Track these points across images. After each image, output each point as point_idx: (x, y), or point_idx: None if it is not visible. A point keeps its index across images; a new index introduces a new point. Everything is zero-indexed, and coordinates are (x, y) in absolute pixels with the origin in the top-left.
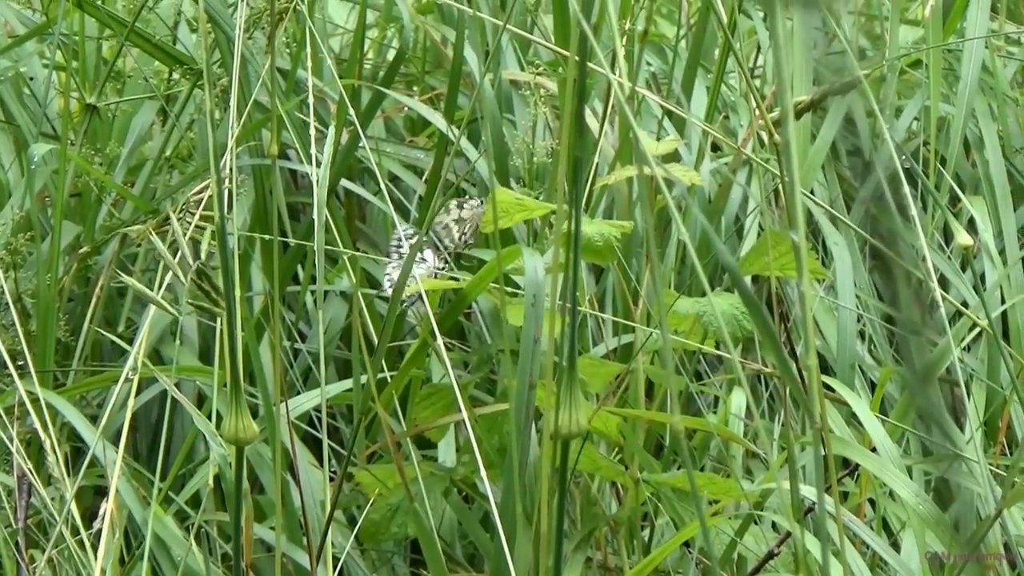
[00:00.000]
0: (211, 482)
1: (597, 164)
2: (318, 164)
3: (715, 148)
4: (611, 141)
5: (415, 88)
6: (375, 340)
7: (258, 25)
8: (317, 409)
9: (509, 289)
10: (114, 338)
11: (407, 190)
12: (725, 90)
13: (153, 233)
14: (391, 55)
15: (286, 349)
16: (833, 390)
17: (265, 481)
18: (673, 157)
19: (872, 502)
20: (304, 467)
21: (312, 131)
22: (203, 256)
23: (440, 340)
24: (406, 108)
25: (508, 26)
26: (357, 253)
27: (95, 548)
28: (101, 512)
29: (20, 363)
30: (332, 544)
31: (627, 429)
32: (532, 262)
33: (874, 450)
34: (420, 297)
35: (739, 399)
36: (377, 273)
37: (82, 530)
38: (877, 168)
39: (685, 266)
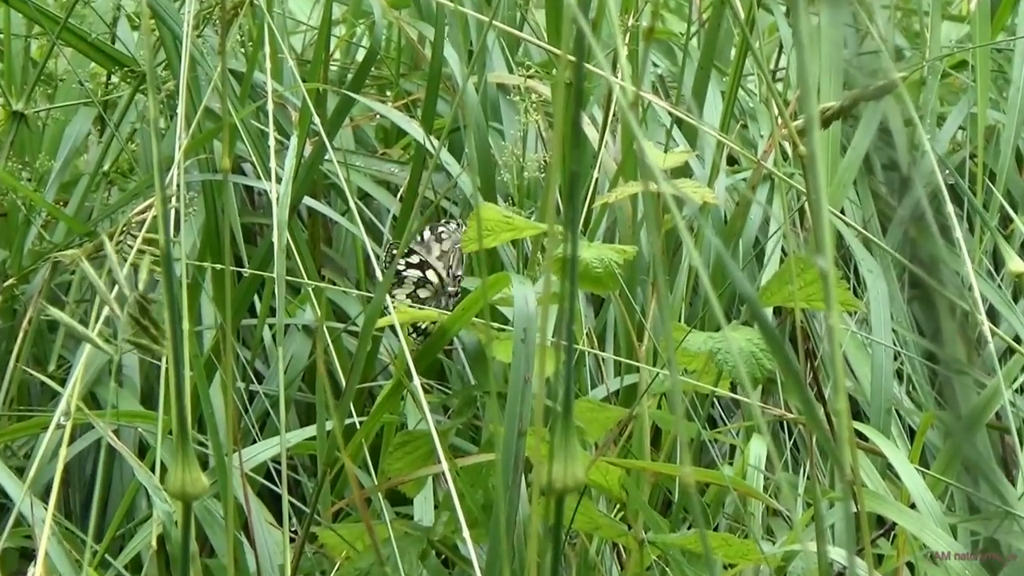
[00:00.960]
0: (154, 543)
1: (596, 179)
2: (278, 180)
3: (731, 161)
4: (612, 153)
5: (388, 93)
6: (342, 381)
7: (209, 22)
8: (276, 460)
9: (496, 324)
10: (44, 379)
11: (379, 209)
12: (743, 95)
13: (84, 259)
14: (361, 55)
15: (240, 391)
16: (866, 438)
17: (216, 542)
18: (683, 172)
19: (911, 566)
20: (261, 526)
21: (271, 142)
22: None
23: (417, 380)
24: (378, 116)
25: (494, 22)
26: (323, 284)
27: None
28: None
29: None
30: None
31: (630, 483)
32: (522, 292)
33: (913, 506)
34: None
35: (758, 448)
36: (346, 304)
37: None
38: (917, 184)
39: (697, 296)
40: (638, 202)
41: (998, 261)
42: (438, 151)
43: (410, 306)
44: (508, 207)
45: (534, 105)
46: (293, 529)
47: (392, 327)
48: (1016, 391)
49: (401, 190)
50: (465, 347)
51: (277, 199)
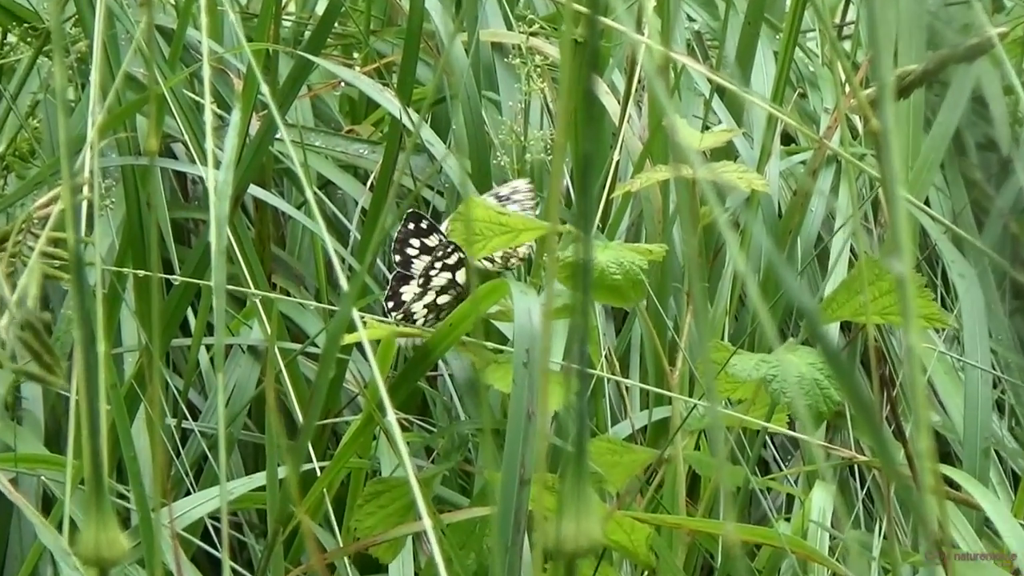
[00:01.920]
0: None
1: (617, 163)
2: (217, 164)
3: (786, 140)
4: (636, 130)
5: (356, 55)
6: (298, 416)
7: None
8: (215, 515)
9: (491, 344)
10: None
11: (345, 200)
12: (800, 57)
13: None
14: (321, 8)
15: (171, 429)
16: (958, 486)
17: None
18: (726, 153)
19: None
20: None
21: (208, 117)
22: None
23: (392, 415)
24: (343, 84)
25: None
26: (273, 295)
27: None
28: None
29: None
30: None
31: (661, 543)
32: (524, 304)
33: (1017, 572)
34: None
35: (822, 500)
36: (302, 319)
37: None
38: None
39: (744, 309)
40: (669, 191)
41: None
42: (418, 127)
43: (424, 318)
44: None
45: (538, 70)
46: None
47: (360, 347)
48: None
49: (372, 177)
50: (453, 373)
51: (216, 188)
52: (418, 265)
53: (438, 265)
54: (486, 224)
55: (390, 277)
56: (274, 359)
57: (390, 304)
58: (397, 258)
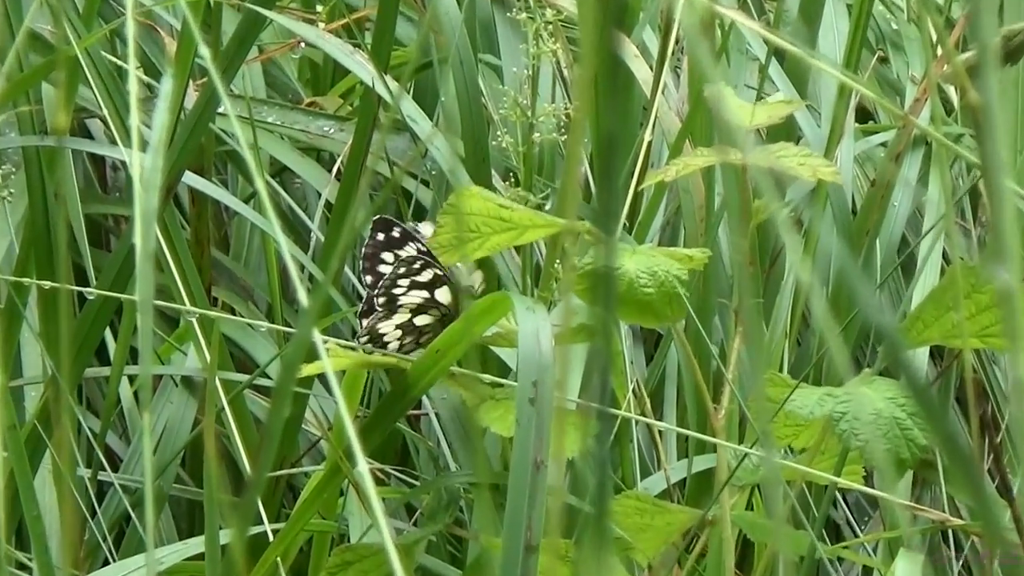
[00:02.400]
0: None
1: (649, 145)
2: (144, 146)
3: (863, 116)
4: (673, 103)
5: (320, 9)
6: (245, 466)
7: None
8: None
9: (489, 376)
10: None
11: (305, 192)
12: (880, 11)
13: None
14: None
15: (84, 482)
16: None
17: None
18: (786, 132)
19: None
20: None
21: (133, 86)
22: None
23: (364, 465)
24: (303, 44)
25: None
26: (214, 312)
27: None
28: None
29: None
30: None
31: None
32: (531, 324)
33: None
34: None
35: (907, 571)
36: (251, 344)
37: None
38: None
39: (809, 331)
40: (714, 181)
41: None
42: (397, 100)
43: (399, 343)
44: (508, 190)
45: (549, 27)
46: None
47: (324, 379)
48: None
49: (339, 162)
50: (440, 412)
51: (141, 177)
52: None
53: (404, 283)
54: (483, 219)
55: (363, 293)
56: (215, 393)
57: (365, 322)
58: (368, 279)
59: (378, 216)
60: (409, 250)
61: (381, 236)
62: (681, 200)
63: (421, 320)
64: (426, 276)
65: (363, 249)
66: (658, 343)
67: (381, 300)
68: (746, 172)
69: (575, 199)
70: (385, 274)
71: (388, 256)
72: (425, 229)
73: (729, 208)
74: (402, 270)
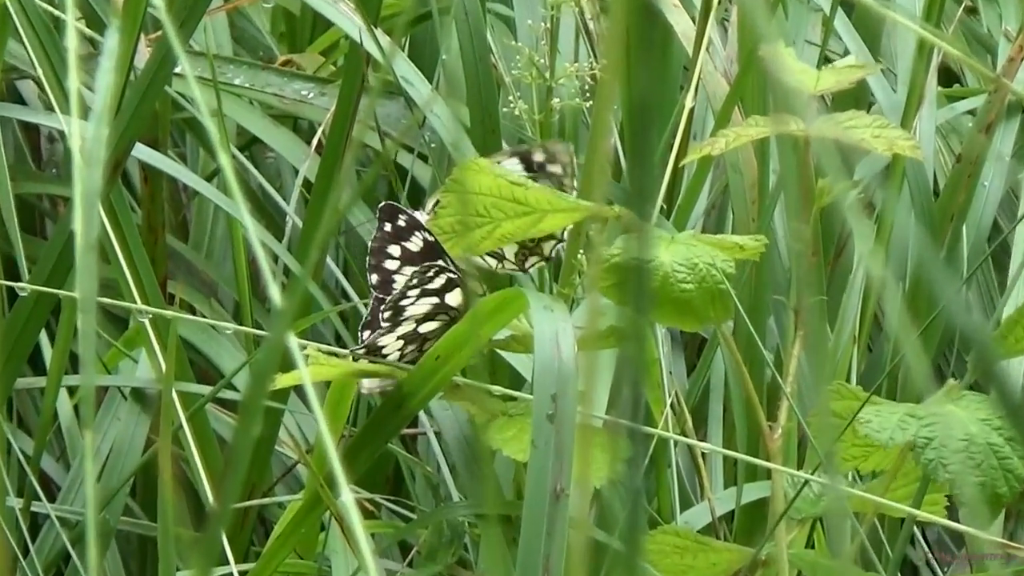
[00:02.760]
0: None
1: (691, 113)
2: (86, 113)
3: (947, 79)
4: (720, 63)
5: None
6: (208, 495)
7: None
8: None
9: (498, 388)
10: None
11: (280, 169)
12: None
13: None
14: None
15: (14, 513)
16: None
17: None
18: (855, 99)
19: None
20: None
21: (73, 42)
22: None
23: (349, 495)
24: None
25: None
26: (171, 311)
27: None
28: None
29: None
30: None
31: None
32: (549, 327)
33: None
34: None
35: None
36: (215, 349)
37: None
38: None
39: (882, 335)
40: (768, 156)
41: None
42: (390, 58)
43: (400, 352)
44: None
45: None
46: None
47: (302, 392)
48: None
49: (319, 132)
50: (441, 431)
51: (83, 150)
52: (401, 283)
53: (413, 293)
54: (494, 200)
55: (350, 291)
56: (171, 408)
57: (366, 334)
58: (374, 278)
59: (384, 203)
60: (416, 242)
61: (388, 226)
62: (729, 179)
63: (426, 327)
64: (438, 283)
65: (370, 243)
66: (701, 349)
67: (387, 315)
68: (808, 145)
69: (603, 178)
70: (391, 271)
71: (395, 249)
72: (425, 217)
73: (787, 188)
74: (414, 281)
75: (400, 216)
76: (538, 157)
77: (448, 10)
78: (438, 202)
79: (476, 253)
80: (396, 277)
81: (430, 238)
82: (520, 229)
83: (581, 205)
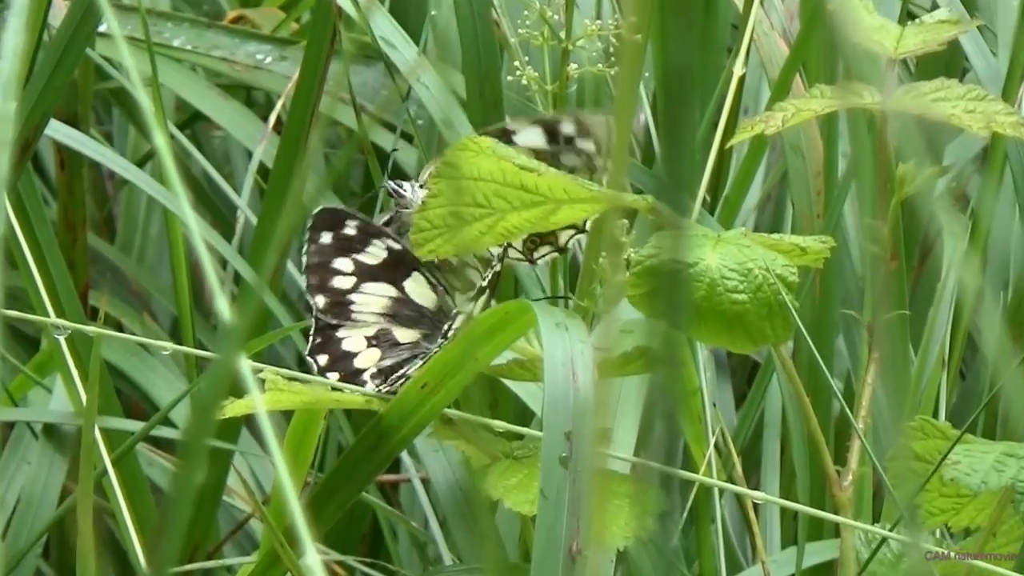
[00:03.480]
0: None
1: (741, 82)
2: None
3: None
4: (777, 20)
5: None
6: (138, 555)
7: None
8: None
9: (500, 423)
10: None
11: (229, 151)
12: None
13: None
14: None
15: None
16: None
17: None
18: (946, 64)
19: None
20: None
21: None
22: None
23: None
24: None
25: None
26: (92, 327)
27: None
28: None
29: None
30: None
31: None
32: (562, 348)
33: None
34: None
35: None
36: (147, 375)
37: None
38: None
39: (976, 357)
40: (837, 136)
41: None
42: (366, 14)
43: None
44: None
45: None
46: None
47: (254, 426)
48: None
49: (278, 105)
50: (429, 478)
51: None
52: (363, 304)
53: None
54: (496, 188)
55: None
56: (93, 449)
57: (323, 359)
58: (320, 299)
59: (320, 209)
60: (375, 252)
61: (328, 237)
62: (788, 164)
63: (404, 335)
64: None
65: (304, 257)
66: (753, 376)
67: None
68: (885, 123)
69: (630, 162)
70: (344, 290)
71: (344, 263)
72: (410, 190)
73: (859, 176)
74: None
75: (347, 223)
76: (567, 129)
77: None
78: (424, 188)
79: (472, 252)
80: (354, 298)
81: (396, 245)
82: (528, 222)
83: (603, 194)
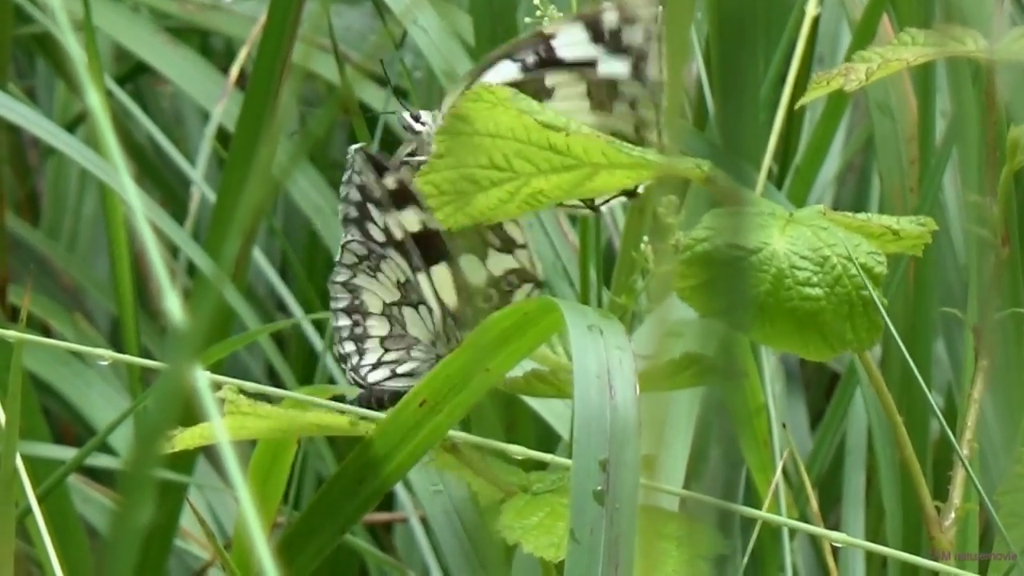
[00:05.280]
0: None
1: (815, 22)
2: None
3: None
4: None
5: None
6: None
7: None
8: None
9: (518, 449)
10: None
11: (181, 112)
12: None
13: None
14: None
15: None
16: None
17: None
18: None
19: None
20: None
21: None
22: None
23: None
24: None
25: None
26: (13, 331)
27: None
28: None
29: None
30: None
31: None
32: (596, 356)
33: None
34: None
35: None
36: (79, 389)
37: None
38: None
39: None
40: (934, 92)
41: None
42: None
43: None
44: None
45: None
46: None
47: (213, 455)
48: None
49: (240, 54)
50: (427, 516)
51: None
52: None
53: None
54: (518, 147)
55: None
56: (14, 482)
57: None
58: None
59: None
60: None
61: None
62: (875, 127)
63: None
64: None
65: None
66: (831, 389)
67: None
68: (993, 76)
69: (679, 121)
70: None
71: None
72: (429, 123)
73: (963, 142)
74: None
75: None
76: (610, 21)
77: None
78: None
79: (485, 223)
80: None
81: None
82: (559, 189)
83: (647, 159)
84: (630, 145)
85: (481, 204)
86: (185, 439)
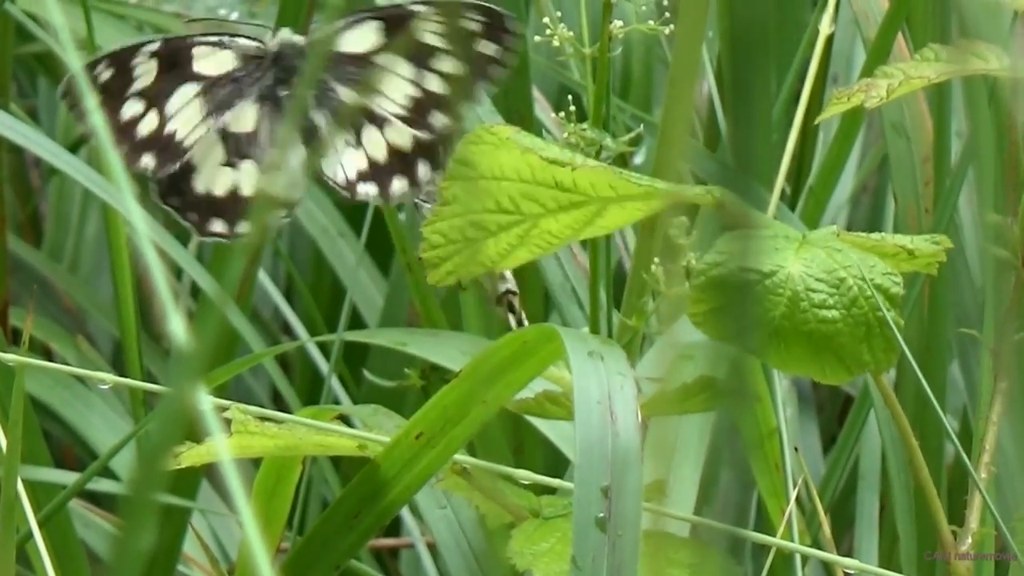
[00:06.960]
0: None
1: (828, 41)
2: None
3: None
4: None
5: None
6: None
7: None
8: None
9: (525, 474)
10: None
11: None
12: None
13: None
14: None
15: None
16: None
17: None
18: None
19: None
20: None
21: None
22: None
23: None
24: None
25: None
26: (13, 355)
27: None
28: None
29: None
30: None
31: None
32: (597, 382)
33: None
34: None
35: None
36: (80, 412)
37: None
38: None
39: None
40: (949, 110)
41: None
42: None
43: None
44: (563, 128)
45: None
46: None
47: (215, 477)
48: None
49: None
50: (435, 541)
51: None
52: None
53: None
54: (524, 188)
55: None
56: (15, 508)
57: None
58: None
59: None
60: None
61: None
62: (888, 147)
63: None
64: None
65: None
66: (845, 413)
67: None
68: (1016, 94)
69: (687, 145)
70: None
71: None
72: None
73: (979, 161)
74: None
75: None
76: None
77: None
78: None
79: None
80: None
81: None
82: (569, 228)
83: (655, 187)
84: (637, 175)
85: (491, 251)
86: (191, 456)
